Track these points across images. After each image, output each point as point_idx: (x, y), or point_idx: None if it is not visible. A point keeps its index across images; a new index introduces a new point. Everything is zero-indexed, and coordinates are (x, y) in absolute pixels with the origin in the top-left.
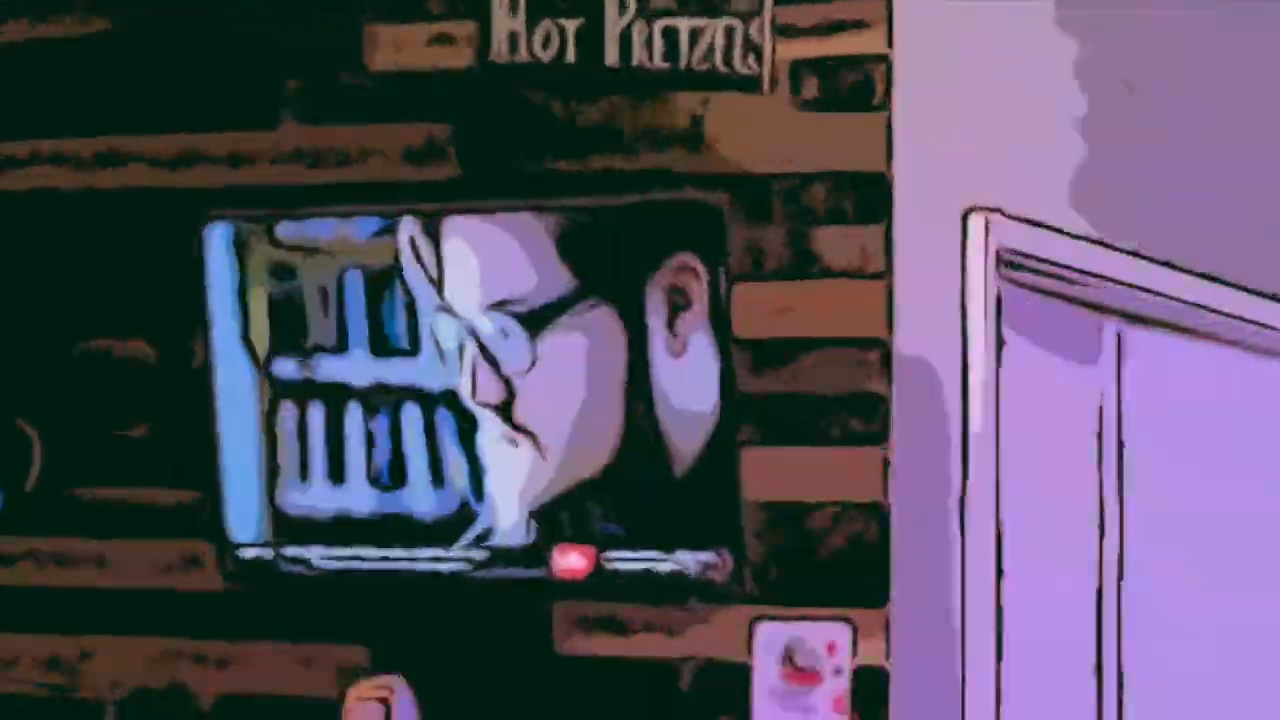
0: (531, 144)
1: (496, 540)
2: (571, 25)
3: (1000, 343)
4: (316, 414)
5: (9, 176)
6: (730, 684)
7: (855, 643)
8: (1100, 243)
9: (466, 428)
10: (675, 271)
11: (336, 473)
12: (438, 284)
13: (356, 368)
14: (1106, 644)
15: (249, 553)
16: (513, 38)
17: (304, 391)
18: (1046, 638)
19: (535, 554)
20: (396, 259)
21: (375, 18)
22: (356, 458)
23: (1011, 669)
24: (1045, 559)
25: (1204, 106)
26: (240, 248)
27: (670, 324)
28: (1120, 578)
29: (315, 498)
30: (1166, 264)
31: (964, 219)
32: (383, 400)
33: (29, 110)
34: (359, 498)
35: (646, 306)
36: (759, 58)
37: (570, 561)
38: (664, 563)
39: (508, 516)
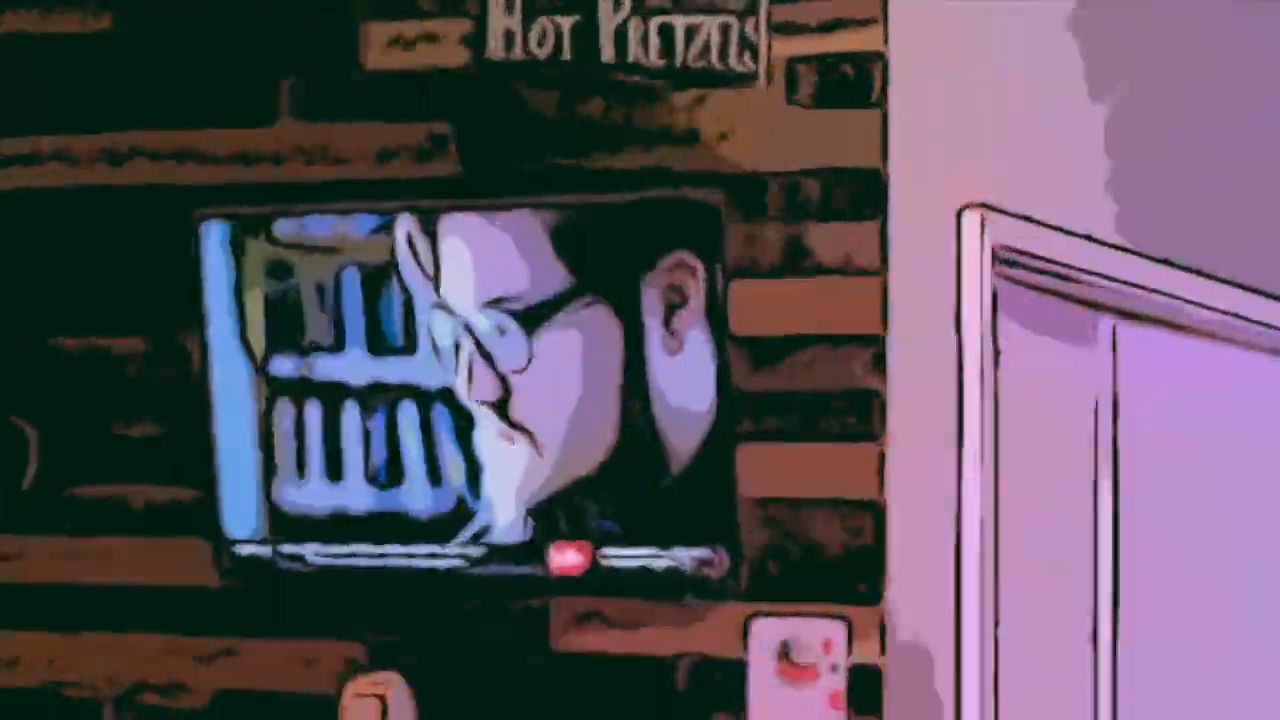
0: (527, 142)
1: (493, 538)
2: (567, 23)
3: (996, 339)
4: (313, 412)
5: (5, 174)
6: (726, 680)
7: (851, 640)
8: (1096, 239)
9: (463, 425)
10: (672, 269)
11: (334, 471)
12: (434, 281)
13: (353, 366)
14: (1102, 641)
15: (245, 549)
16: (508, 35)
17: (301, 390)
18: (1042, 635)
19: (532, 551)
20: (393, 257)
21: (371, 15)
22: (353, 456)
23: (1007, 667)
24: (1041, 555)
25: (1201, 104)
26: (237, 245)
27: (667, 321)
28: (1116, 575)
29: (312, 495)
30: (1162, 261)
31: (959, 216)
32: (380, 398)
33: (25, 107)
34: (356, 495)
35: (643, 304)
36: (755, 55)
37: (566, 558)
38: (660, 559)
39: (504, 514)
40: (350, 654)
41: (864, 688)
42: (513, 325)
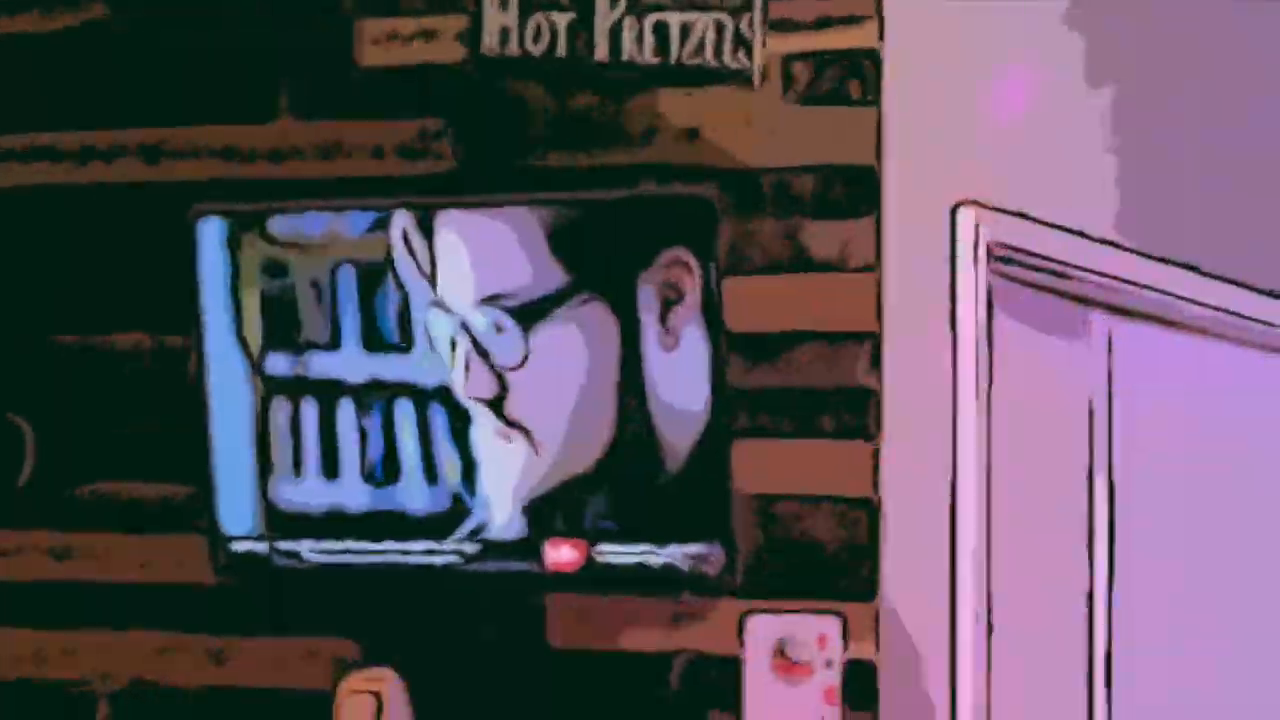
0: (523, 138)
1: (489, 535)
2: (562, 20)
3: (990, 336)
4: (309, 410)
5: (1, 171)
6: (721, 677)
7: (846, 636)
8: (1090, 237)
9: (460, 423)
10: (667, 266)
11: (330, 469)
12: (431, 279)
13: (349, 364)
14: (1097, 637)
15: (241, 546)
16: (504, 32)
17: (297, 387)
18: (1037, 631)
19: (527, 547)
20: (389, 255)
21: (366, 12)
22: (350, 454)
23: (1001, 663)
24: (1035, 553)
25: (1195, 101)
26: (233, 243)
27: (663, 318)
28: (1112, 571)
29: (308, 493)
30: (1156, 258)
31: (954, 213)
32: (376, 396)
33: (20, 104)
34: (352, 493)
35: (639, 301)
36: (749, 52)
37: (562, 555)
38: (655, 556)
39: (501, 512)
40: (345, 650)
41: (859, 684)
42: (509, 322)
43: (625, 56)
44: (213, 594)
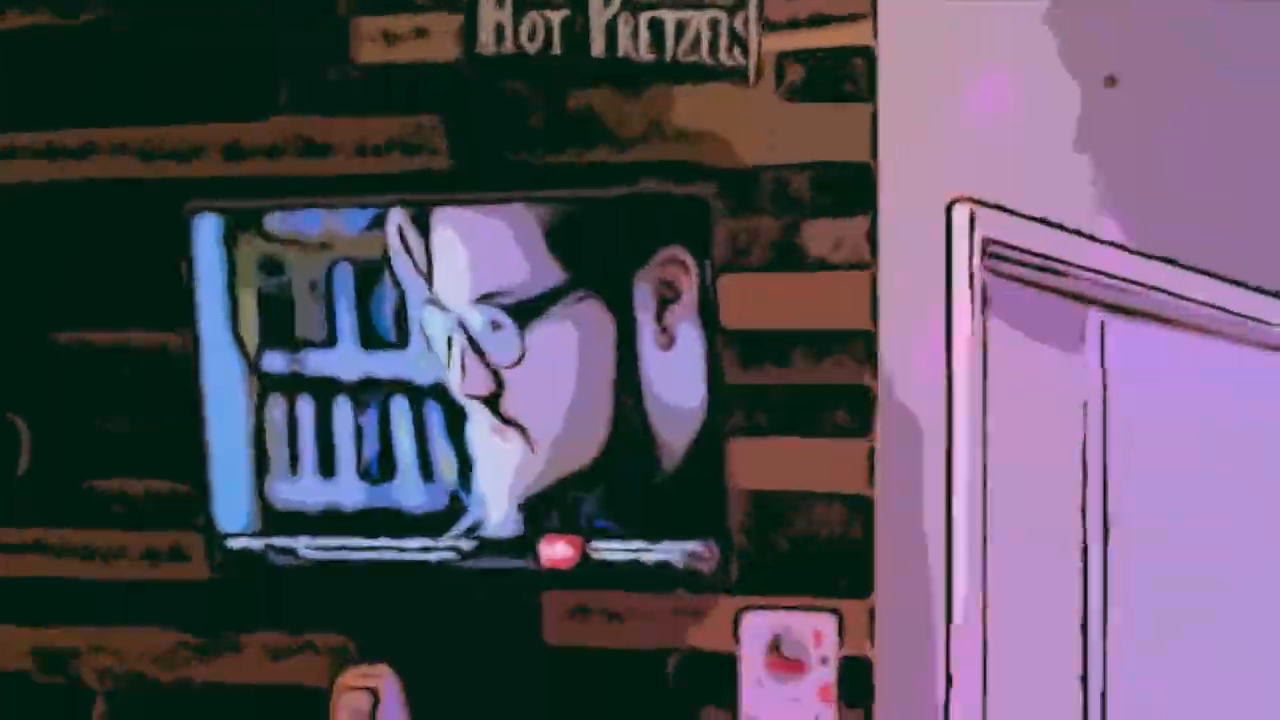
0: (519, 136)
1: (485, 533)
2: (557, 17)
3: (985, 333)
4: (306, 408)
5: None
6: (716, 674)
7: (841, 633)
8: (1085, 234)
9: (456, 421)
10: (664, 264)
11: (326, 467)
12: (427, 277)
13: (345, 361)
14: (1092, 634)
15: (237, 543)
16: (499, 29)
17: (293, 385)
18: (1032, 628)
19: (523, 544)
20: (386, 253)
21: (362, 10)
22: (346, 452)
23: (996, 659)
24: (1031, 549)
25: (1188, 98)
26: (229, 240)
27: (659, 317)
28: (1107, 568)
29: (305, 492)
30: (1151, 255)
31: (949, 210)
32: (372, 394)
33: (15, 102)
34: (348, 491)
35: (635, 299)
36: (744, 50)
37: (557, 551)
38: (651, 553)
39: (497, 509)
40: (341, 647)
41: (854, 680)
42: (505, 320)
43: (620, 54)
44: (209, 590)
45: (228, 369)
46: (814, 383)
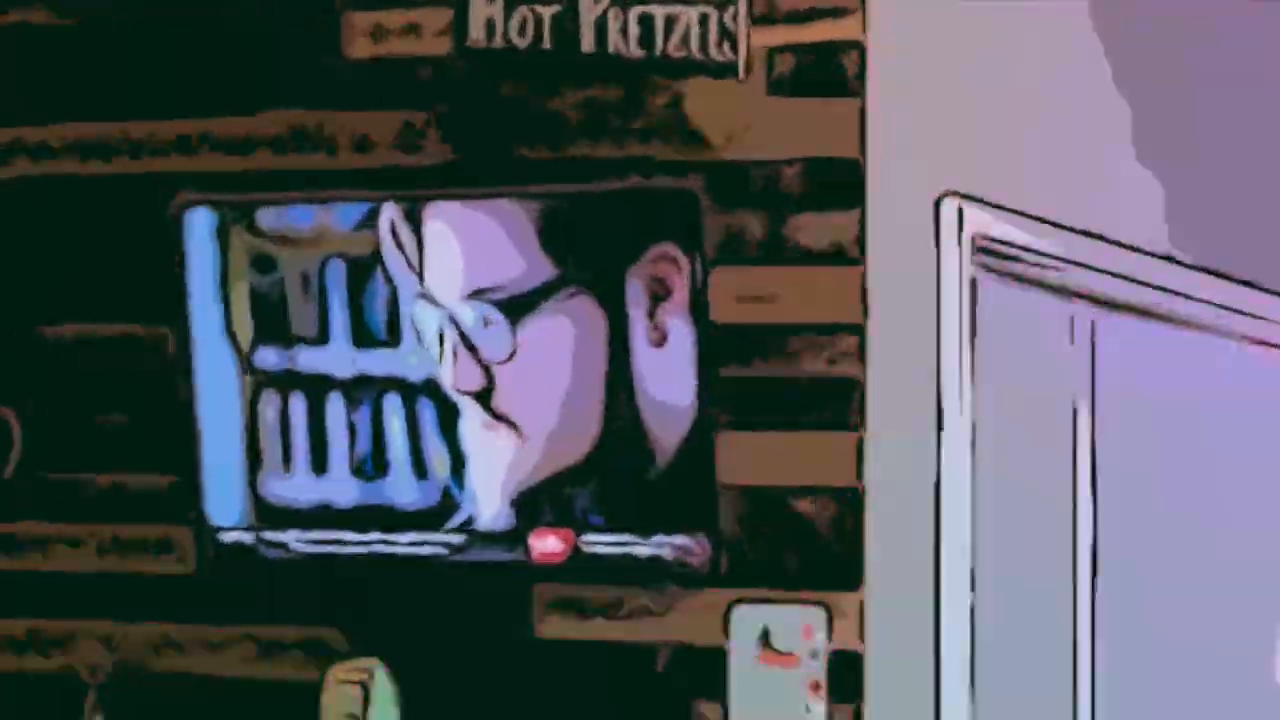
0: (510, 131)
1: (478, 529)
2: (547, 12)
3: (974, 327)
4: (298, 404)
5: None
6: (707, 667)
7: (831, 626)
8: (1074, 229)
9: (448, 417)
10: (655, 261)
11: (319, 463)
12: (418, 272)
13: (338, 358)
14: (1081, 629)
15: (229, 537)
16: (489, 24)
17: (286, 382)
18: (1021, 621)
19: (513, 538)
20: (377, 250)
21: (353, 5)
22: (339, 448)
23: (985, 652)
24: (1019, 543)
25: (1179, 94)
26: (221, 236)
27: (650, 313)
28: (1095, 562)
29: (298, 488)
30: (1139, 250)
31: (937, 205)
32: (364, 390)
33: (8, 97)
34: (341, 488)
35: (627, 295)
36: (734, 45)
37: (548, 545)
38: (641, 547)
39: (489, 505)
40: (332, 640)
41: (844, 674)
42: (497, 315)
43: (611, 49)
44: (200, 584)
45: (220, 364)
46: (804, 376)
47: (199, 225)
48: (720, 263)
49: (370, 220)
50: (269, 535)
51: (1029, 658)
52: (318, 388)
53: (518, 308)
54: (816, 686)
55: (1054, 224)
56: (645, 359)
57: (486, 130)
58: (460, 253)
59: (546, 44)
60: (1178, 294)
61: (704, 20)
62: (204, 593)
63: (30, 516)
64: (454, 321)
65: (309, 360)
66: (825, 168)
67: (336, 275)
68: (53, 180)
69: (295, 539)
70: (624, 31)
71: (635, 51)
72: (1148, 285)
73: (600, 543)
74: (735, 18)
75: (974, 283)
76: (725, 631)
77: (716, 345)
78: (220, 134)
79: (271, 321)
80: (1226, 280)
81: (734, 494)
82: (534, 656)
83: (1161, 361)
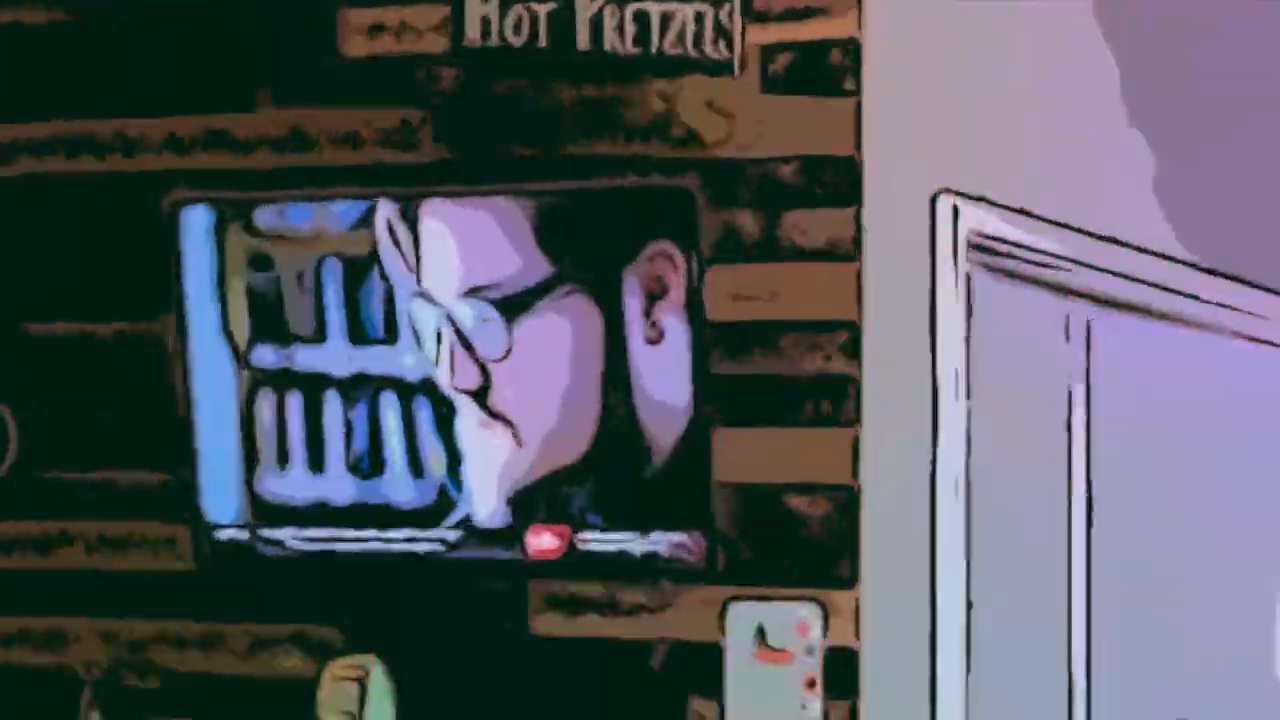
0: (505, 129)
1: (473, 526)
2: (543, 10)
3: (970, 325)
4: (295, 403)
5: None
6: (702, 664)
7: (826, 623)
8: (1069, 227)
9: (444, 415)
10: (652, 259)
11: (315, 462)
12: (415, 271)
13: (335, 357)
14: (1076, 628)
15: (225, 534)
16: (485, 22)
17: (283, 380)
18: (1016, 617)
19: (509, 535)
20: (374, 249)
21: (349, 2)
22: (335, 446)
23: (982, 649)
24: (1015, 540)
25: (1174, 92)
26: (218, 233)
27: (647, 311)
28: (1090, 560)
29: (294, 486)
30: (1134, 248)
31: (933, 202)
32: (361, 389)
33: (1, 96)
34: (338, 486)
35: (623, 293)
36: (730, 42)
37: (544, 542)
38: (637, 544)
39: (486, 503)
40: (328, 637)
41: (840, 671)
42: (493, 314)
43: (606, 47)
44: (197, 581)
45: (217, 363)
46: (799, 374)
47: (195, 223)
48: (716, 260)
49: (367, 219)
50: (265, 532)
51: (1024, 654)
52: (314, 386)
53: (514, 306)
54: (812, 683)
55: (1050, 221)
56: (641, 357)
57: (482, 128)
58: (456, 251)
59: (542, 42)
60: (1174, 291)
61: (699, 18)
62: (201, 590)
63: (27, 515)
64: (451, 320)
65: (306, 359)
66: (821, 165)
67: (333, 274)
68: (48, 178)
69: (292, 536)
70: (619, 29)
71: (631, 49)
72: (1144, 283)
73: (596, 540)
74: (731, 15)
75: (969, 280)
76: (721, 628)
77: (712, 342)
78: (216, 132)
79: (268, 320)
80: (1223, 278)
81: (730, 491)
82: (530, 653)
83: (1157, 358)
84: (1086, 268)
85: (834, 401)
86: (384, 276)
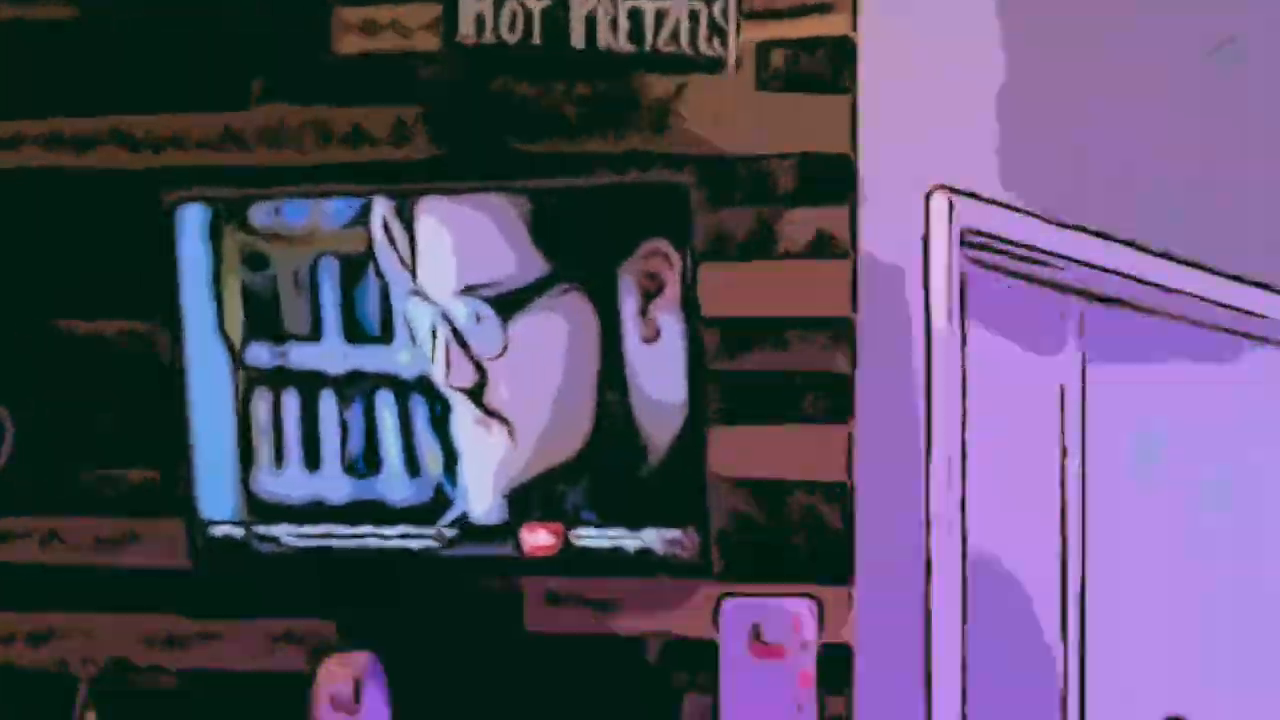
0: (499, 126)
1: (469, 523)
2: (537, 7)
3: (964, 321)
4: (291, 401)
5: None
6: (697, 660)
7: (821, 619)
8: (1064, 223)
9: (440, 413)
10: (647, 257)
11: (311, 460)
12: (411, 268)
13: (330, 355)
14: (1071, 621)
15: (220, 531)
16: (479, 20)
17: (278, 379)
18: (1011, 614)
19: (505, 532)
20: (370, 247)
21: (342, 0)
22: (331, 445)
23: (977, 645)
24: (1009, 536)
25: (1170, 90)
26: (214, 232)
27: (642, 309)
28: (1084, 555)
29: (290, 484)
30: (1129, 244)
31: (927, 199)
32: (357, 387)
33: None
34: (334, 485)
35: (619, 291)
36: (724, 40)
37: (539, 539)
38: (632, 541)
39: (481, 500)
40: (323, 634)
41: (834, 667)
42: (489, 312)
43: (600, 44)
44: (192, 578)
45: (213, 361)
46: (794, 370)
47: (191, 221)
48: (711, 258)
49: (362, 217)
50: (260, 529)
51: (1019, 650)
52: (310, 384)
53: (509, 304)
54: (807, 679)
55: (1044, 218)
56: (637, 354)
57: (477, 126)
58: (452, 249)
59: (536, 39)
60: (1168, 287)
61: (694, 15)
62: (196, 587)
63: (23, 511)
64: (446, 318)
65: (301, 357)
66: (816, 162)
67: (329, 272)
68: (43, 175)
69: (287, 533)
70: (614, 26)
71: (625, 46)
72: (1137, 280)
73: (591, 536)
74: (725, 12)
75: (964, 276)
76: (715, 624)
77: (706, 339)
78: (211, 129)
79: (264, 318)
80: (1218, 275)
81: (725, 488)
82: (525, 649)
83: (1151, 354)
84: (1081, 264)
85: (829, 398)
86: (379, 274)
